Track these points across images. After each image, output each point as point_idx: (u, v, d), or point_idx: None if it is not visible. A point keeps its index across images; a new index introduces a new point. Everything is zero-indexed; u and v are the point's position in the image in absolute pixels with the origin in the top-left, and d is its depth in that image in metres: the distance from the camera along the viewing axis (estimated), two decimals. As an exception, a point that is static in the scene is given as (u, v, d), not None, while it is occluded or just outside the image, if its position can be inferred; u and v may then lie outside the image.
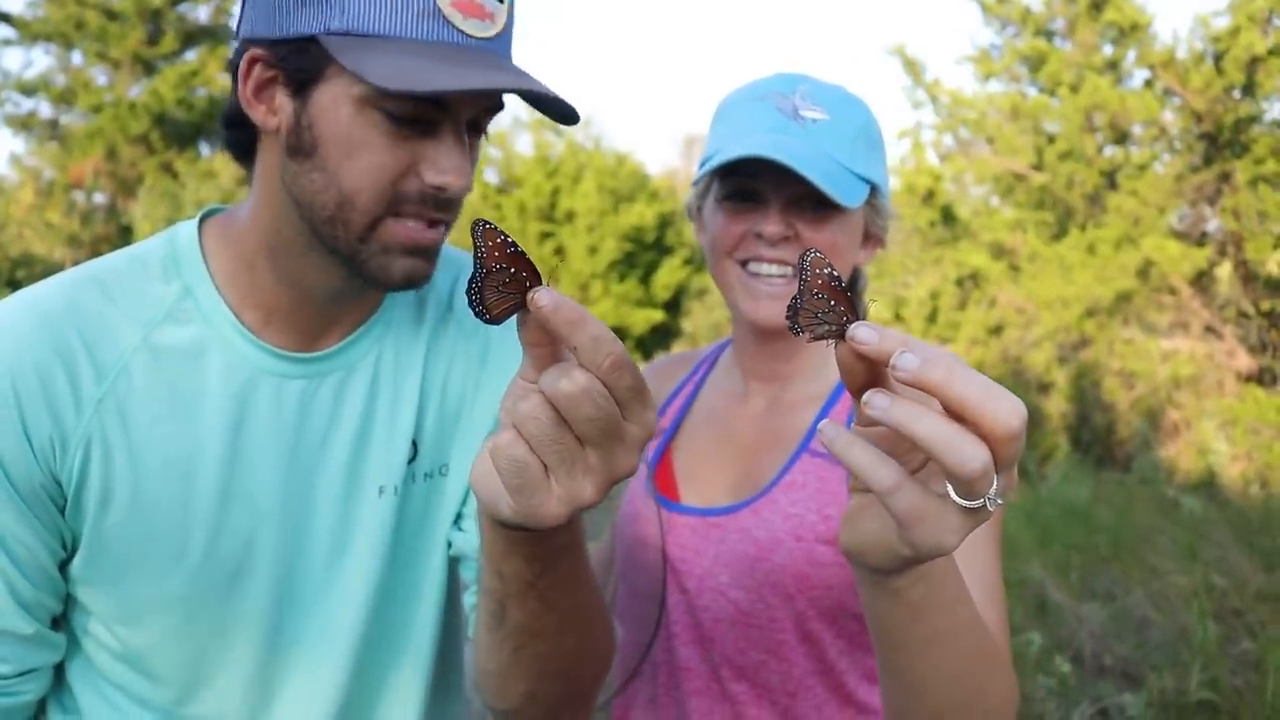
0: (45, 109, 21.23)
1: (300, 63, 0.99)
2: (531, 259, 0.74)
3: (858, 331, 0.68)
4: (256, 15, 1.02)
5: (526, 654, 0.96)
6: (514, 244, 0.74)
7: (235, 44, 1.06)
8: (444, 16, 0.97)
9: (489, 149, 20.22)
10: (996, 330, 10.55)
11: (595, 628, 1.03)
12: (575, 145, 20.29)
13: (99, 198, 20.80)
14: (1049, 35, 10.52)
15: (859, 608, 0.88)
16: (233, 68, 1.05)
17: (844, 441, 0.69)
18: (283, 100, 1.02)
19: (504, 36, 1.03)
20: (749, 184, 1.34)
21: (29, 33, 20.56)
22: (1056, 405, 9.91)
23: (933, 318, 11.05)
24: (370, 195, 1.00)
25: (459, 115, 1.02)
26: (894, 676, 0.88)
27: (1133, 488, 7.79)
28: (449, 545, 1.19)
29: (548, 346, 0.75)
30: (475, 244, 0.73)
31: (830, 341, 0.72)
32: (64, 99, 20.89)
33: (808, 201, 1.32)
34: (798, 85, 1.36)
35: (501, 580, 0.89)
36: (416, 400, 1.16)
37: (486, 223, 0.73)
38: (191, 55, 21.42)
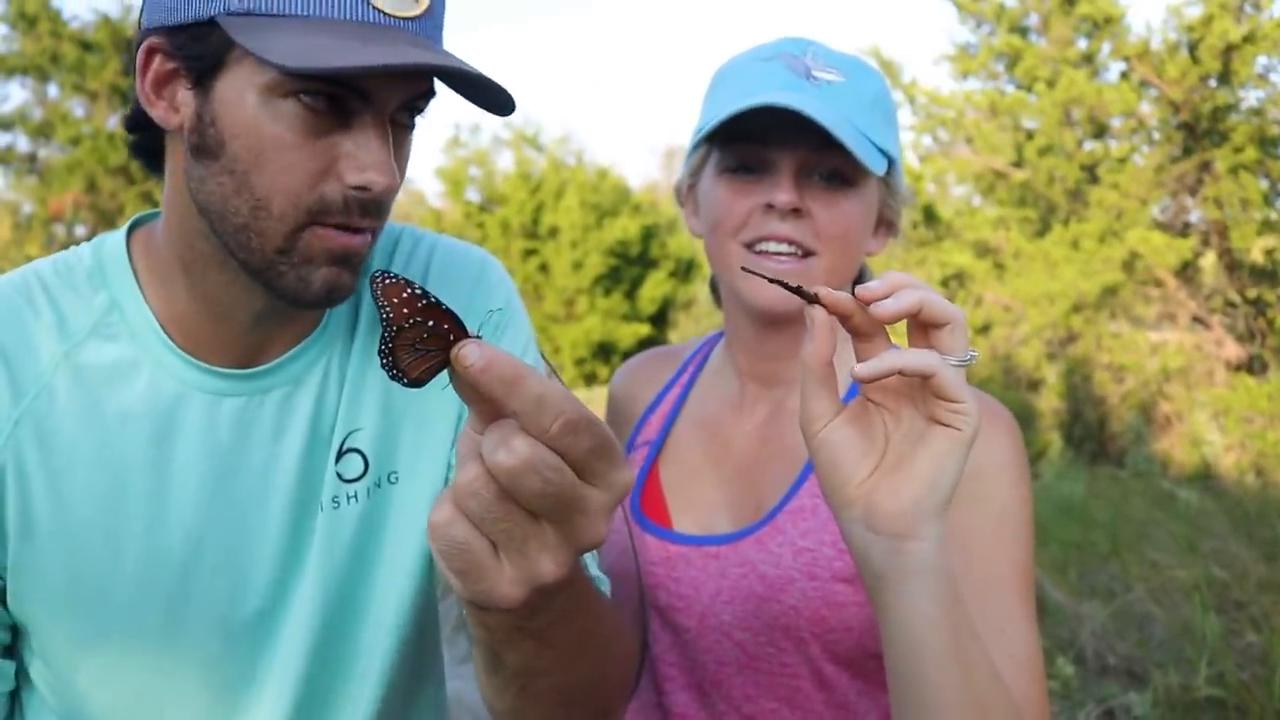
0: (23, 143, 21.14)
1: (199, 50, 0.90)
2: (449, 308, 0.63)
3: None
4: (154, 1, 0.93)
5: (534, 691, 0.87)
6: (425, 293, 0.63)
7: (137, 36, 0.96)
8: None
9: (469, 168, 20.19)
10: (984, 329, 10.53)
11: (612, 650, 0.94)
12: (557, 161, 20.30)
13: (79, 230, 20.71)
14: (1024, 31, 10.52)
15: (879, 647, 0.83)
16: (133, 61, 0.95)
17: (884, 359, 0.73)
18: (184, 95, 0.92)
19: (431, 18, 0.93)
20: (755, 152, 1.19)
21: (4, 67, 20.47)
22: (1048, 402, 9.88)
23: (920, 319, 11.02)
24: (286, 200, 0.90)
25: (382, 105, 0.91)
26: (911, 694, 0.81)
27: (1128, 482, 7.73)
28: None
29: (490, 403, 0.63)
30: (377, 303, 0.63)
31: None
32: (42, 132, 20.79)
33: (819, 174, 1.18)
34: (807, 48, 1.22)
35: (486, 629, 0.78)
36: (359, 409, 1.07)
37: (386, 274, 0.63)
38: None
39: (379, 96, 0.90)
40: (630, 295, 19.65)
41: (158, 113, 0.95)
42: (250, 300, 0.99)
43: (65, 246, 1.08)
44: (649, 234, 20.03)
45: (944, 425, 0.75)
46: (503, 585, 0.65)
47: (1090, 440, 9.48)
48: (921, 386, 0.76)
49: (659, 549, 1.26)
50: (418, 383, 0.65)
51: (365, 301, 1.11)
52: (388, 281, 0.63)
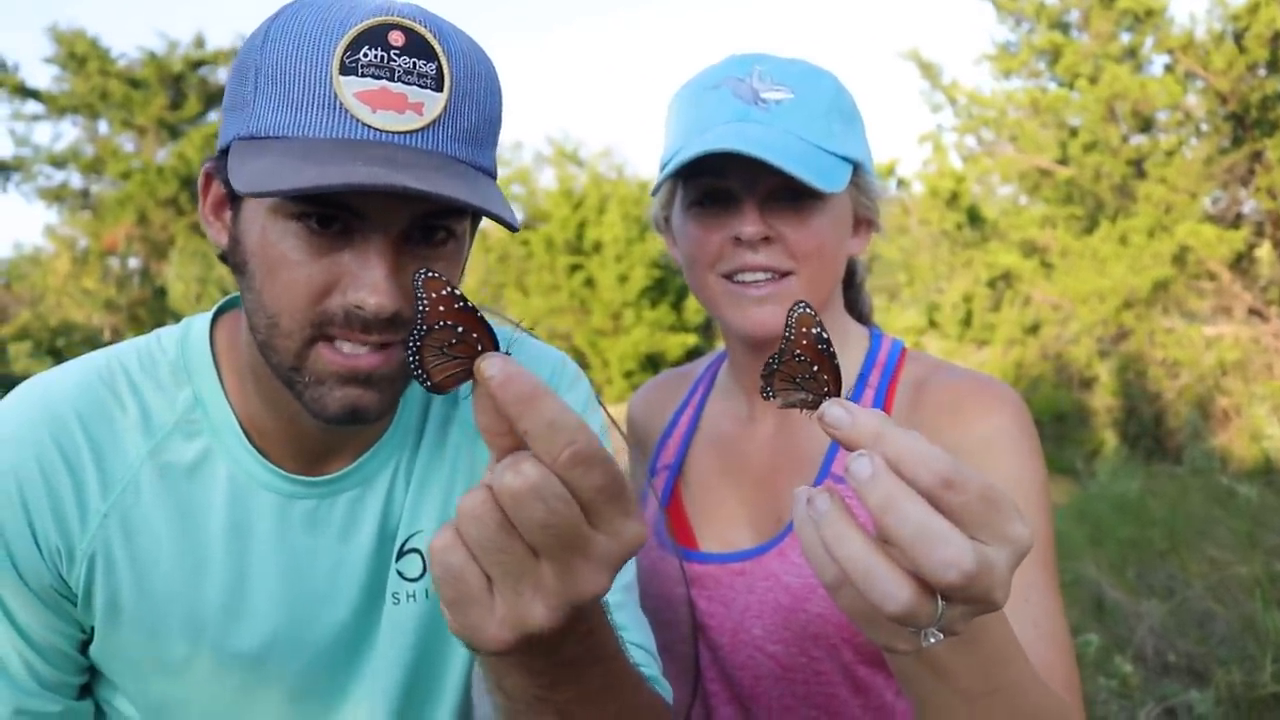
0: (76, 179, 21.64)
1: (226, 174, 0.90)
2: (486, 318, 0.62)
3: (829, 411, 0.61)
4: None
5: None
6: (463, 298, 0.62)
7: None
8: (347, 110, 0.85)
9: (512, 186, 20.33)
10: (1033, 329, 10.41)
11: None
12: (598, 176, 20.37)
13: (133, 262, 21.14)
14: (1064, 28, 10.42)
15: None
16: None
17: (800, 518, 0.62)
18: (228, 216, 0.95)
19: (441, 127, 0.90)
20: (717, 184, 1.18)
21: (56, 106, 20.99)
22: (1101, 400, 9.74)
23: (967, 321, 10.93)
24: (291, 316, 0.90)
25: (384, 224, 0.89)
26: None
27: (1185, 479, 7.59)
28: None
29: (508, 435, 0.60)
30: (416, 296, 0.62)
31: (804, 411, 0.66)
32: (93, 168, 21.28)
33: (784, 194, 1.17)
34: (753, 66, 1.20)
35: (505, 696, 0.75)
36: (421, 508, 1.09)
37: (429, 271, 0.62)
38: (214, 116, 21.76)
39: (377, 216, 0.88)
40: (676, 306, 19.65)
41: (213, 233, 0.98)
42: (309, 415, 0.99)
43: (120, 280, 1.09)
44: (693, 245, 20.03)
45: None
46: (491, 624, 0.62)
47: (1146, 437, 9.33)
48: None
49: (686, 571, 1.26)
50: (440, 389, 0.64)
51: (435, 403, 1.13)
52: (428, 276, 0.62)
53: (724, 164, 1.13)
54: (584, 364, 18.44)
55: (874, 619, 0.64)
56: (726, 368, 1.39)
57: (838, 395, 0.63)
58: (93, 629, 1.00)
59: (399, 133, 0.87)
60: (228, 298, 1.08)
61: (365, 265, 0.89)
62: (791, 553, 1.18)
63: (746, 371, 1.30)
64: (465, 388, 0.64)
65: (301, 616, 1.03)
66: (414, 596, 1.08)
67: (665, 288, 19.63)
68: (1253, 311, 9.26)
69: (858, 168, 1.21)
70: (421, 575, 1.08)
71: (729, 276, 1.19)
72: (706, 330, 19.77)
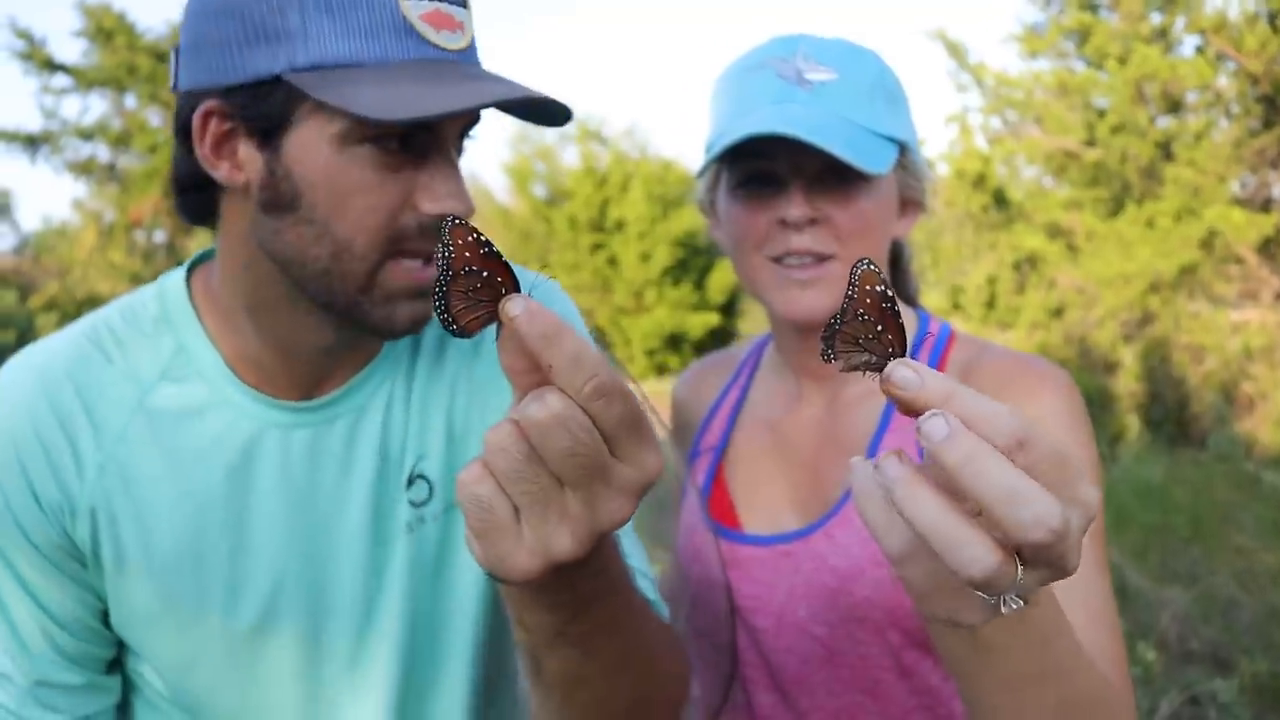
0: (103, 153, 21.68)
1: (263, 108, 0.91)
2: (510, 263, 0.65)
3: (895, 372, 0.58)
4: (198, 64, 0.94)
5: (578, 702, 0.85)
6: (488, 243, 0.64)
7: (178, 99, 0.97)
8: (417, 32, 0.91)
9: (535, 164, 20.32)
10: (1058, 312, 10.34)
11: (660, 670, 0.93)
12: (621, 154, 20.29)
13: (159, 235, 21.23)
14: (1093, 8, 10.30)
15: None
16: (180, 125, 0.97)
17: (862, 487, 0.61)
18: (248, 153, 0.94)
19: (474, 46, 0.98)
20: (762, 165, 1.18)
21: (84, 80, 21.01)
22: (1125, 385, 9.68)
23: (991, 304, 10.86)
24: (368, 239, 0.92)
25: (447, 136, 0.95)
26: (973, 711, 0.78)
27: (1210, 465, 7.55)
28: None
29: (532, 373, 0.63)
30: (442, 242, 0.64)
31: (867, 373, 0.63)
32: (121, 142, 21.28)
33: (830, 176, 1.16)
34: (797, 46, 1.20)
35: (526, 631, 0.78)
36: (425, 434, 1.10)
37: (456, 219, 0.65)
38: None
39: (445, 129, 0.94)
40: (699, 285, 19.58)
41: (221, 173, 0.96)
42: (319, 336, 1.02)
43: (146, 253, 1.11)
44: (715, 224, 19.92)
45: None
46: (519, 553, 0.65)
47: (1169, 423, 9.27)
48: None
49: (729, 552, 1.26)
50: (466, 332, 0.66)
51: (429, 326, 1.14)
52: (455, 223, 0.64)
53: (769, 146, 1.14)
54: (606, 342, 18.44)
55: (941, 589, 0.63)
56: (772, 349, 1.39)
57: (903, 356, 0.62)
58: (106, 597, 1.02)
59: (457, 50, 0.94)
60: (197, 253, 1.10)
61: (445, 177, 0.95)
62: (839, 534, 1.18)
63: (792, 353, 1.31)
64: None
65: (310, 551, 1.05)
66: (424, 520, 1.09)
67: (688, 267, 19.57)
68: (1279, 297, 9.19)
69: (904, 148, 1.21)
70: (428, 500, 1.09)
71: (775, 260, 1.20)
72: (729, 310, 19.71)
